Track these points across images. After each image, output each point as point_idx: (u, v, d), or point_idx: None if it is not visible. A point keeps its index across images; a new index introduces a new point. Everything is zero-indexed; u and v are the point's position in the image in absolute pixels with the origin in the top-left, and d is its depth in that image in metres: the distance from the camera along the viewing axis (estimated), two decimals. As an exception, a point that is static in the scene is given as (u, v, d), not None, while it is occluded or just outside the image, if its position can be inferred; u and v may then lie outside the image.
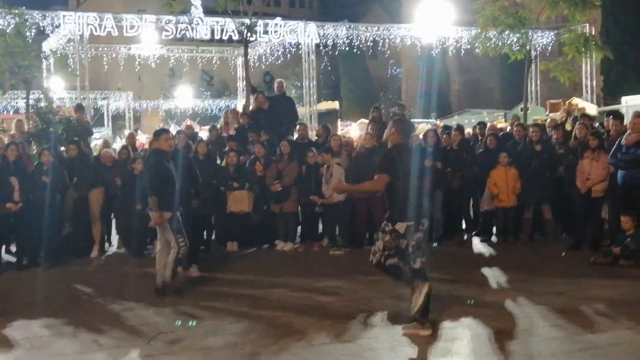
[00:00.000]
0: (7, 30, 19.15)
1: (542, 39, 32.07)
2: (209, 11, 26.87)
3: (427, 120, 36.03)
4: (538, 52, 31.84)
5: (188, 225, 11.01)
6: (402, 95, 56.04)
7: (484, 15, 20.35)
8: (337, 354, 7.13)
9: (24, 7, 20.36)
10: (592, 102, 31.43)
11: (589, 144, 12.11)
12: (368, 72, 59.10)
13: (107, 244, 13.73)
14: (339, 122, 29.79)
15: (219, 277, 10.94)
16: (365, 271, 11.02)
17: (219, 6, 18.11)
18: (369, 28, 31.91)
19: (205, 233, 13.29)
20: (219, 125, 17.48)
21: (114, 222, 14.02)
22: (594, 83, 33.12)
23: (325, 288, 10.01)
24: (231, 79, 43.82)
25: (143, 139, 21.98)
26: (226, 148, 14.04)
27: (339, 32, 30.82)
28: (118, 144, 21.58)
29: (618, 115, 13.34)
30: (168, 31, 27.03)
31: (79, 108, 16.61)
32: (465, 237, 13.58)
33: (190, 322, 8.37)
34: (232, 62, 38.01)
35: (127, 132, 19.47)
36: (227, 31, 26.90)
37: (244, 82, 24.69)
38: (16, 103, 36.86)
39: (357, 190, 7.58)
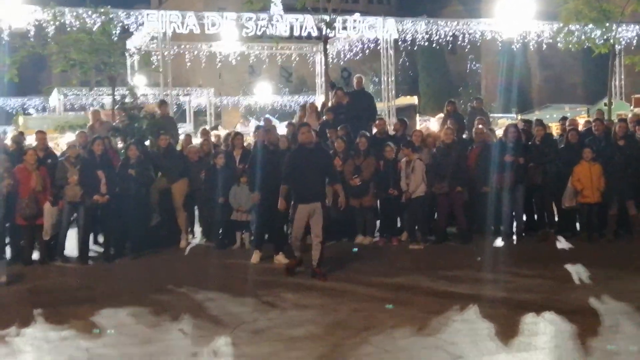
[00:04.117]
0: (94, 29, 19.68)
1: (627, 32, 31.25)
2: (288, 8, 27.08)
3: (507, 115, 35.53)
4: (622, 46, 31.05)
5: (275, 213, 11.22)
6: (481, 90, 55.29)
7: (567, 9, 19.89)
8: (417, 347, 7.15)
9: (109, 6, 20.90)
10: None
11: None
12: (447, 67, 58.53)
13: (190, 236, 14.00)
14: (417, 117, 29.62)
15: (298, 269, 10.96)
16: (444, 266, 11.04)
17: (298, 3, 18.24)
18: (449, 23, 31.62)
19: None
20: (294, 120, 17.60)
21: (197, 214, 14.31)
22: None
23: (405, 282, 10.02)
24: (309, 75, 44.03)
25: (224, 134, 22.28)
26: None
27: (417, 27, 30.62)
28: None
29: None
30: (248, 28, 27.30)
31: (163, 103, 17.00)
32: (548, 233, 13.36)
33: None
34: (311, 58, 38.20)
35: (201, 128, 19.79)
36: (306, 28, 27.04)
37: (323, 78, 24.76)
38: (102, 99, 37.86)
39: None
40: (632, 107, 27.11)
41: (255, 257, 11.66)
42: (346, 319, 8.14)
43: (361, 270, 10.99)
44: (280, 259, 11.41)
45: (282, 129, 16.94)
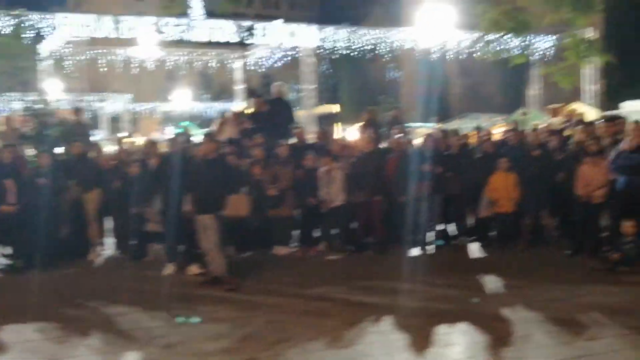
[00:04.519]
0: (5, 32, 19.10)
1: (543, 43, 31.96)
2: (208, 13, 26.73)
3: (426, 124, 35.93)
4: (539, 57, 31.77)
5: (187, 227, 11.04)
6: (401, 99, 55.96)
7: (486, 19, 20.24)
8: (333, 359, 7.05)
9: (24, 9, 20.30)
10: (593, 106, 31.35)
11: (589, 149, 12.03)
12: (367, 76, 59.01)
13: (101, 247, 13.58)
14: (339, 126, 29.72)
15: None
16: (361, 276, 11.01)
17: (220, 9, 18.03)
18: (369, 31, 31.79)
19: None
20: (212, 128, 17.29)
21: (111, 224, 13.90)
22: (596, 87, 32.98)
23: (322, 293, 9.93)
24: (229, 82, 43.73)
25: (140, 142, 21.83)
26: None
27: (339, 35, 30.67)
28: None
29: (613, 119, 13.24)
30: (166, 33, 26.82)
31: (77, 110, 16.55)
32: (463, 242, 13.48)
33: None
34: (231, 65, 37.90)
35: (117, 136, 19.40)
36: (226, 34, 26.73)
37: (243, 86, 24.57)
38: (12, 105, 36.75)
39: None
40: (549, 117, 27.70)
41: (169, 268, 11.40)
42: (260, 331, 8.01)
43: (278, 281, 10.85)
44: (194, 269, 11.16)
45: (200, 137, 16.64)
